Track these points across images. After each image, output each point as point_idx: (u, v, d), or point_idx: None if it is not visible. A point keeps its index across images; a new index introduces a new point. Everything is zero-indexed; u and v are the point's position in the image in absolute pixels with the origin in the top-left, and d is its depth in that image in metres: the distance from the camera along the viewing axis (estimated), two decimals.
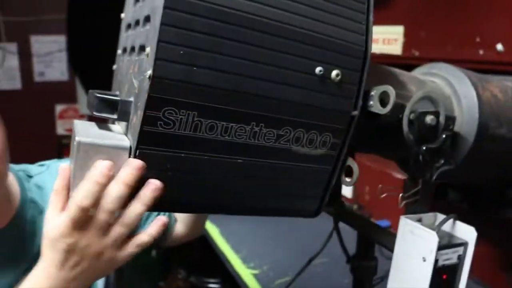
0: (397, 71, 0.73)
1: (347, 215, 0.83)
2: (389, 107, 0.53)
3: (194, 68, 0.44)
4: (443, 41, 1.31)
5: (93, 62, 1.44)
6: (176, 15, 0.43)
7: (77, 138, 0.45)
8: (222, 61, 0.45)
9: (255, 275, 1.20)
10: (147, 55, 0.45)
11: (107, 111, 0.49)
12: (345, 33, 0.52)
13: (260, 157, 0.50)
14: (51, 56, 2.58)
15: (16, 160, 0.75)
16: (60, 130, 2.76)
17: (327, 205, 0.80)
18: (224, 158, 0.49)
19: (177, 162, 0.47)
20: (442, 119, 0.66)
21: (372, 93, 0.56)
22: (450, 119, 0.70)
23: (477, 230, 0.67)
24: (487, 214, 1.07)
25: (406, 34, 1.44)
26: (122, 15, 0.63)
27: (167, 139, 0.46)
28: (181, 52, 0.44)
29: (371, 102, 0.56)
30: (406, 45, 1.44)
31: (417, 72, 0.84)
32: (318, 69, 0.50)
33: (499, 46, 1.14)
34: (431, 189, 0.69)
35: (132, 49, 0.53)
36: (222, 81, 0.45)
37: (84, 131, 0.48)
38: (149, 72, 0.43)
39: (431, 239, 0.61)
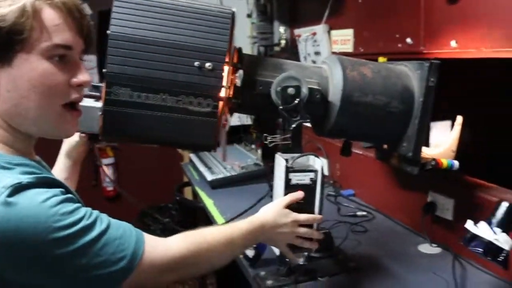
0: (285, 61, 1.13)
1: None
2: (240, 82, 0.95)
3: (126, 66, 0.89)
4: (377, 39, 1.67)
5: None
6: (115, 42, 0.88)
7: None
8: (140, 62, 0.90)
9: None
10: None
11: (95, 91, 0.96)
12: (215, 42, 0.94)
13: (170, 112, 0.94)
14: None
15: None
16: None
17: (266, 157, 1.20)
18: (149, 112, 0.92)
19: (122, 114, 0.91)
20: (305, 90, 1.04)
21: (237, 74, 0.97)
22: (316, 90, 1.08)
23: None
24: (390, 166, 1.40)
25: (355, 35, 1.81)
26: None
27: (116, 102, 0.90)
28: (119, 60, 0.88)
29: (237, 80, 0.97)
30: (356, 44, 1.81)
31: (320, 62, 1.22)
32: (196, 63, 0.92)
33: (408, 40, 1.49)
34: (298, 138, 1.06)
35: None
36: (140, 72, 0.90)
37: (83, 102, 0.93)
38: (105, 70, 0.88)
39: (283, 165, 0.99)
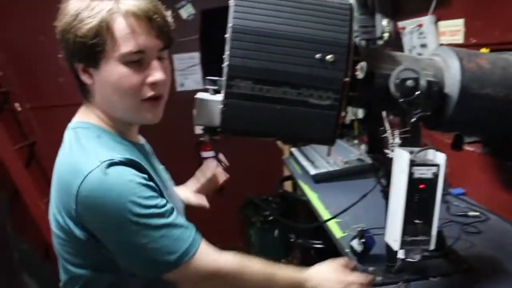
0: (399, 53, 1.09)
1: (380, 158, 1.17)
2: (363, 74, 0.92)
3: (247, 59, 0.90)
4: (492, 28, 1.53)
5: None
6: (237, 35, 0.90)
7: (196, 96, 0.95)
8: (261, 55, 0.90)
9: (338, 223, 1.59)
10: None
11: (212, 85, 0.99)
12: (336, 34, 0.92)
13: (290, 105, 0.93)
14: (189, 70, 3.27)
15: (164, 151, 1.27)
16: (198, 129, 3.36)
17: (372, 152, 1.17)
18: (269, 105, 0.93)
19: (243, 107, 0.92)
20: (423, 82, 0.99)
21: (358, 67, 0.94)
22: (434, 83, 1.03)
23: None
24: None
25: (466, 25, 1.68)
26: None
27: (237, 95, 0.92)
28: (241, 52, 0.90)
29: (358, 72, 0.94)
30: (467, 34, 1.68)
31: (429, 54, 1.16)
32: (317, 56, 0.91)
33: None
34: (418, 131, 1.01)
35: None
36: (262, 65, 0.90)
37: (201, 95, 0.98)
38: (227, 63, 0.90)
39: (405, 158, 0.95)
